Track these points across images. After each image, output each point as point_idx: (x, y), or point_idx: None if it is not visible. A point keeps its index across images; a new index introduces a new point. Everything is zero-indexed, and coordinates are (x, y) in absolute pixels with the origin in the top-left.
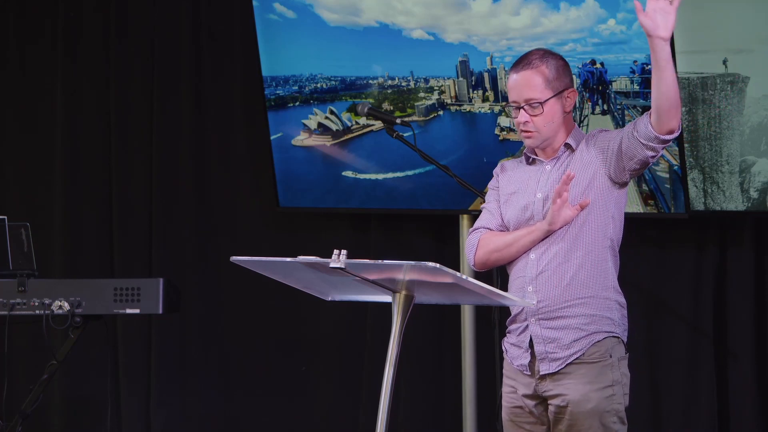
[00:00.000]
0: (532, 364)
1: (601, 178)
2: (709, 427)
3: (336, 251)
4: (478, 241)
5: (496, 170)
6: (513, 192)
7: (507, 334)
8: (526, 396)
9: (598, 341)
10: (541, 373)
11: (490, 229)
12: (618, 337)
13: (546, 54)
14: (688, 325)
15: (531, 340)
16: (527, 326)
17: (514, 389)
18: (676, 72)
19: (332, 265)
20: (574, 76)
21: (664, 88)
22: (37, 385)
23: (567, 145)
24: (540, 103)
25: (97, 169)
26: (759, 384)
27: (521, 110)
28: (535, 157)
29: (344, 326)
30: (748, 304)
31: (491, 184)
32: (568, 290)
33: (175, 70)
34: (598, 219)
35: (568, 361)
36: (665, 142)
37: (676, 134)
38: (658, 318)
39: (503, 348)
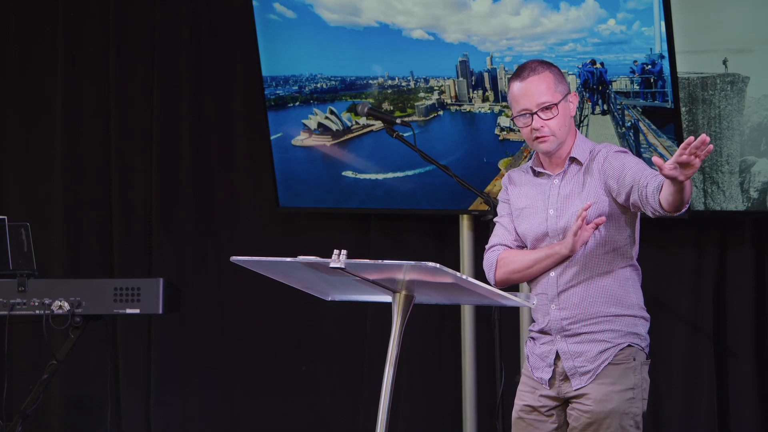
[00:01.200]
0: (552, 381)
1: (613, 204)
2: (709, 427)
3: (336, 251)
4: (497, 261)
5: (504, 182)
6: (524, 207)
7: (530, 340)
8: (546, 396)
9: (622, 349)
10: (574, 388)
11: (508, 246)
12: (642, 349)
13: (543, 62)
14: (688, 325)
15: (557, 355)
16: (552, 341)
17: (534, 389)
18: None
19: (332, 265)
20: (573, 76)
21: (680, 198)
22: (37, 385)
23: (573, 159)
24: (554, 104)
25: (97, 169)
26: (759, 384)
27: (534, 116)
28: (541, 170)
29: (344, 326)
30: (748, 304)
31: (502, 197)
32: (592, 308)
33: (175, 70)
34: (617, 241)
35: (598, 371)
36: (673, 216)
37: (684, 210)
38: (658, 318)
39: (526, 353)
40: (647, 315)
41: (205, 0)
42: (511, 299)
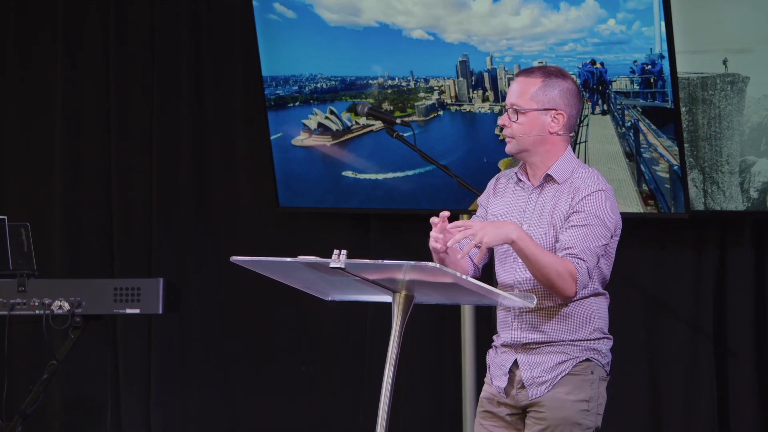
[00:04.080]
0: (508, 388)
1: None
2: (709, 427)
3: (336, 251)
4: None
5: (491, 184)
6: (501, 215)
7: (492, 349)
8: (503, 404)
9: (581, 362)
10: (530, 398)
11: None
12: (602, 366)
13: (556, 73)
14: (688, 325)
15: (515, 363)
16: (513, 352)
17: (493, 395)
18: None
19: (332, 265)
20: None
21: (534, 272)
22: (37, 385)
23: (548, 176)
24: (521, 111)
25: (97, 169)
26: (759, 384)
27: (506, 112)
28: (522, 178)
29: (344, 326)
30: (748, 304)
31: (481, 200)
32: (554, 334)
33: (175, 70)
34: None
35: (555, 382)
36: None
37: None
38: (658, 318)
39: (488, 362)
40: (610, 336)
41: (205, 0)
42: (511, 299)
